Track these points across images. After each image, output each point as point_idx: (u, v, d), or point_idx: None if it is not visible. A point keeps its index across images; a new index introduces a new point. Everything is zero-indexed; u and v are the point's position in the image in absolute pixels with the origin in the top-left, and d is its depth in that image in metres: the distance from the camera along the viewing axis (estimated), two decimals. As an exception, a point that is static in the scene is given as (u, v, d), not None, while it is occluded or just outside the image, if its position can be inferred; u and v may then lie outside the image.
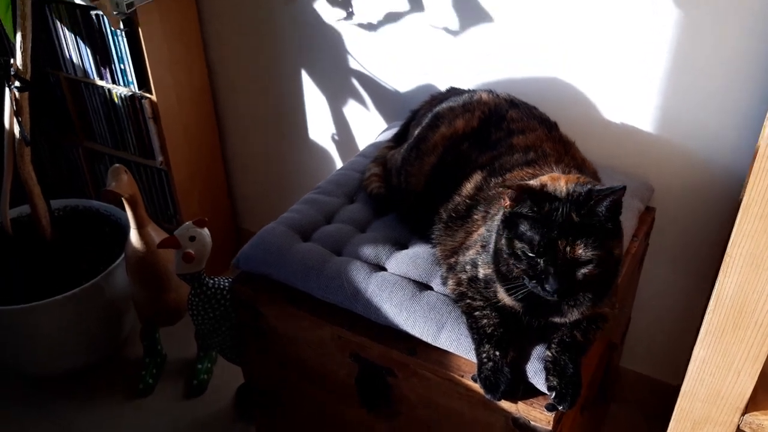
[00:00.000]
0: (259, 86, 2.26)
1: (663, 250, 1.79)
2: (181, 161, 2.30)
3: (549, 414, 1.20)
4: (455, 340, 1.29)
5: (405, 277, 1.41)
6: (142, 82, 2.14)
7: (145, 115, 2.18)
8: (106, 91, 2.22)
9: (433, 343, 1.32)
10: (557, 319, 1.21)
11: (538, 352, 1.24)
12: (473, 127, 1.50)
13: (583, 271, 1.10)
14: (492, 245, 1.24)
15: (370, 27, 1.92)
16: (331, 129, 2.18)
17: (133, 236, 1.93)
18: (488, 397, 1.21)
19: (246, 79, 2.28)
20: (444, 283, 1.38)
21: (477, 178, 1.40)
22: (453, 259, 1.37)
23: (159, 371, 2.21)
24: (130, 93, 2.17)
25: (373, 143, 1.88)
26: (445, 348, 1.31)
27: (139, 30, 2.02)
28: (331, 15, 1.97)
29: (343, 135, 2.17)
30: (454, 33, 1.79)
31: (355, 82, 2.04)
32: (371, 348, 1.37)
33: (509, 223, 1.15)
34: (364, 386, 1.43)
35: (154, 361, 2.20)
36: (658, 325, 1.93)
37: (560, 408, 1.18)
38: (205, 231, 1.75)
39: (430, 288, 1.41)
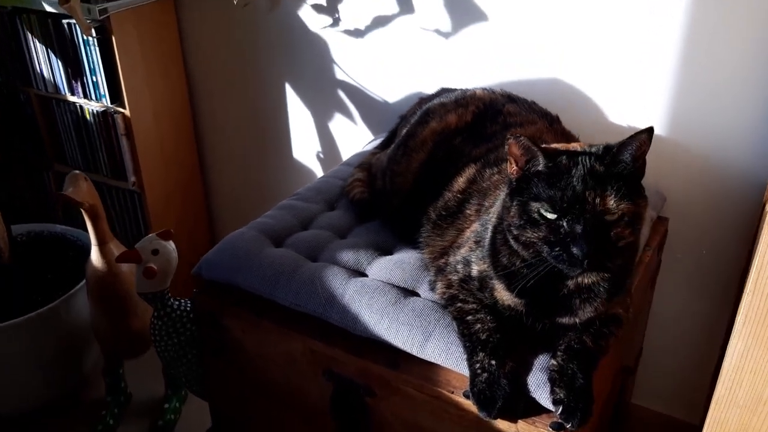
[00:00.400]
0: (241, 98, 2.14)
1: (677, 267, 1.64)
2: (156, 182, 2.15)
3: (555, 434, 1.01)
4: (444, 350, 1.12)
5: (388, 283, 1.25)
6: (115, 96, 2.01)
7: (118, 131, 2.05)
8: (78, 107, 2.09)
9: (419, 355, 1.15)
10: (566, 320, 1.04)
11: (542, 361, 1.07)
12: (467, 121, 1.37)
13: (614, 231, 0.95)
14: (489, 237, 1.09)
15: (358, 33, 1.81)
16: (317, 144, 2.05)
17: (94, 254, 1.76)
18: (482, 415, 1.04)
19: (227, 91, 2.16)
20: (432, 288, 1.22)
21: (470, 171, 1.27)
22: (442, 260, 1.21)
23: (121, 411, 2.02)
24: (103, 108, 2.04)
25: (359, 153, 1.74)
26: (432, 360, 1.14)
27: (113, 38, 1.91)
28: (316, 22, 1.86)
29: (329, 150, 2.04)
30: (446, 35, 1.68)
31: (341, 92, 1.92)
32: (347, 362, 1.19)
33: (518, 189, 1.00)
34: (339, 408, 1.24)
35: (116, 399, 2.01)
36: (673, 352, 1.76)
37: (568, 426, 1.01)
38: (171, 245, 1.58)
39: (417, 294, 1.24)
